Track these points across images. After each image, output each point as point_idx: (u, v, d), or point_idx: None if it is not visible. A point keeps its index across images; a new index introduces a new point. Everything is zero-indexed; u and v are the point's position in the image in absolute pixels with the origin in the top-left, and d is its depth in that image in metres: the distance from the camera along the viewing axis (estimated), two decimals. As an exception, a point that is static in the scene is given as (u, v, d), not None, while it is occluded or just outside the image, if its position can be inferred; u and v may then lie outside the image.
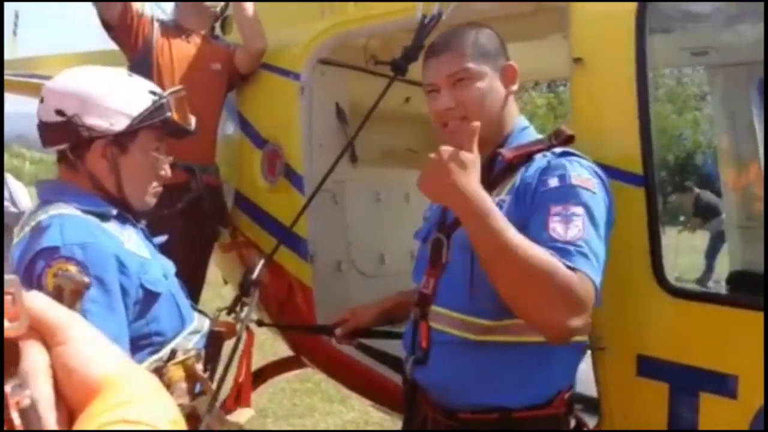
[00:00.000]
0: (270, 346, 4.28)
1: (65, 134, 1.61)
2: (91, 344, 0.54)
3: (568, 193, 1.48)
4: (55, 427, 0.49)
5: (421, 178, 1.48)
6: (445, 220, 1.69)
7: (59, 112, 1.59)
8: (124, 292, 1.50)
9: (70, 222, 1.50)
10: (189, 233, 2.84)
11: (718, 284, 7.34)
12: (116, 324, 1.47)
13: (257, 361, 3.17)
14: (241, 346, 2.11)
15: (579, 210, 1.46)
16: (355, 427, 4.29)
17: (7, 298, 0.49)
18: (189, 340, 1.67)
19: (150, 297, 1.56)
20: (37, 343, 0.52)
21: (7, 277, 0.50)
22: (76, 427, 0.49)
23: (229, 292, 2.35)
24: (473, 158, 1.43)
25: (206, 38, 3.02)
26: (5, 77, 4.82)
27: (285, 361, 3.30)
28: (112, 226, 1.60)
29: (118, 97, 1.63)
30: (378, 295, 2.14)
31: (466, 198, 1.39)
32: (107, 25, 2.84)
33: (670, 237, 6.27)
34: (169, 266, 1.75)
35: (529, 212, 1.50)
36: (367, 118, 2.32)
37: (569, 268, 1.37)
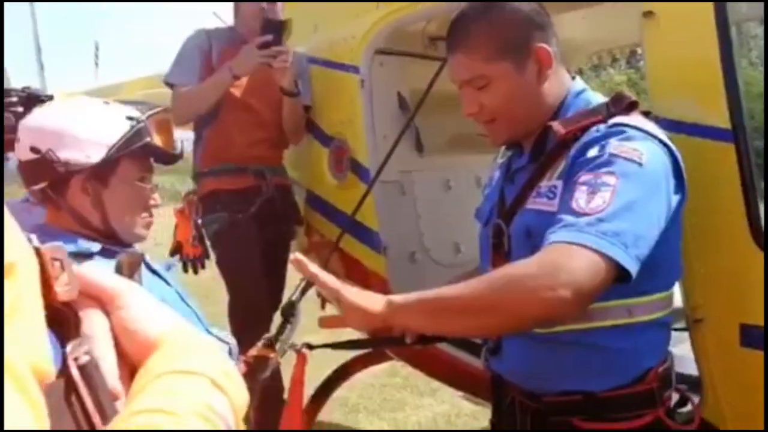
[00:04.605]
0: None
1: (42, 172, 1.51)
2: (146, 306, 0.59)
3: (604, 162, 1.32)
4: (118, 384, 0.54)
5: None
6: (503, 203, 1.59)
7: (34, 149, 1.50)
8: None
9: None
10: (265, 235, 2.88)
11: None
12: None
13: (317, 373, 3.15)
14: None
15: (611, 180, 1.29)
16: (447, 419, 4.23)
17: (56, 264, 0.52)
18: None
19: None
20: (97, 310, 0.57)
21: (52, 243, 0.53)
22: (136, 381, 0.54)
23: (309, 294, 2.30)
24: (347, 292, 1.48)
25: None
26: None
27: (370, 355, 3.25)
28: (100, 265, 1.44)
29: (91, 125, 1.53)
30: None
31: (389, 315, 1.43)
32: None
33: None
34: (169, 293, 1.59)
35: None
36: (421, 103, 2.27)
37: (561, 242, 1.25)
